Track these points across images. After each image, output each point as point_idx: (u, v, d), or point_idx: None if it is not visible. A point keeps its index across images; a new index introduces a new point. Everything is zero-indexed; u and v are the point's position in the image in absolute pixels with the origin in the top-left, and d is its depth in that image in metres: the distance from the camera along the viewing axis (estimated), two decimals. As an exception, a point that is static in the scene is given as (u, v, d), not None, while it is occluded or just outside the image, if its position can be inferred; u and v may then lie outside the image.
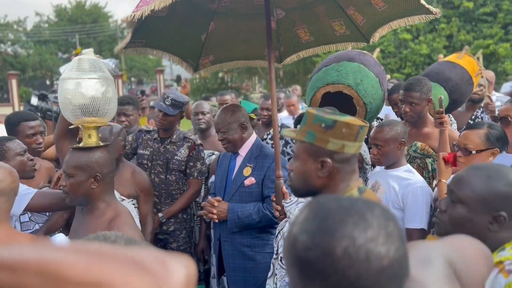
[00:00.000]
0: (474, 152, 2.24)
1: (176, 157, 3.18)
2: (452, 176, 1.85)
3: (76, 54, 7.77)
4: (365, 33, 3.11)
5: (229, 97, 5.52)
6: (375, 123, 4.13)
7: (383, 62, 14.98)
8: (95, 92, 1.91)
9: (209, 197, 2.77)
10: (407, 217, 2.36)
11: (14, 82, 21.55)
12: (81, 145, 1.89)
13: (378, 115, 3.91)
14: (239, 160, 2.79)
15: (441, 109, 2.60)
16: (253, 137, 2.81)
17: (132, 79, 34.19)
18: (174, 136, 3.23)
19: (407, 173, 2.51)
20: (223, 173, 2.83)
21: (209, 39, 3.14)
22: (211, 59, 3.26)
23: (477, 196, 1.25)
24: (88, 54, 2.03)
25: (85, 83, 1.91)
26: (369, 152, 2.83)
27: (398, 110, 3.74)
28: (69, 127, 1.99)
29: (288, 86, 17.03)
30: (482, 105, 4.17)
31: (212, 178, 3.27)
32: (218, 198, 2.71)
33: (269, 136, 4.02)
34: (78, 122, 1.93)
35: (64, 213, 2.41)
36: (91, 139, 1.91)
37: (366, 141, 2.98)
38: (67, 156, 1.88)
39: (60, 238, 1.89)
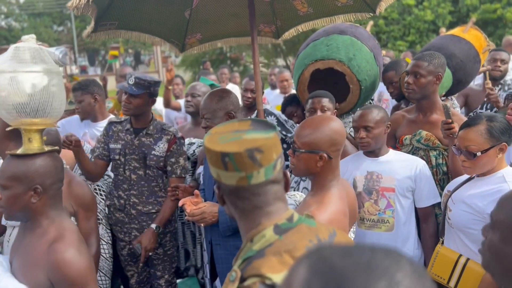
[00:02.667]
0: (478, 153, 1.93)
1: (153, 151, 2.76)
2: None
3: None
4: (370, 2, 2.78)
5: (227, 71, 5.28)
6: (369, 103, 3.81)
7: (386, 30, 14.50)
8: (34, 89, 1.61)
9: (188, 198, 2.33)
10: (423, 195, 2.37)
11: (8, 57, 21.05)
12: (19, 151, 1.60)
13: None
14: None
15: (449, 119, 2.30)
16: None
17: (130, 50, 33.52)
18: (151, 127, 2.79)
19: (401, 155, 2.48)
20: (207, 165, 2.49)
21: (194, 15, 2.82)
22: (198, 37, 2.94)
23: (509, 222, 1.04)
24: (29, 41, 1.71)
25: (22, 77, 1.61)
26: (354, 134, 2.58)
27: (393, 90, 3.43)
28: (6, 129, 1.70)
29: (288, 56, 16.50)
30: (501, 82, 3.85)
31: (200, 169, 2.98)
32: (196, 192, 2.31)
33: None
34: (16, 124, 1.64)
35: None
36: (32, 144, 1.63)
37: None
38: (2, 164, 1.60)
39: None
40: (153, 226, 2.71)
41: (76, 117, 3.61)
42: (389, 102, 4.23)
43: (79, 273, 1.47)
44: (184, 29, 2.87)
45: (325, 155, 1.60)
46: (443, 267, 2.03)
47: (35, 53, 1.66)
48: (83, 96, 3.36)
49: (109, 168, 2.94)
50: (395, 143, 2.76)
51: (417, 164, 2.37)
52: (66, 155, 2.71)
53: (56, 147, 1.69)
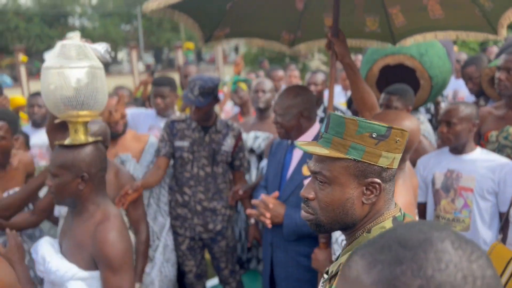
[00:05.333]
0: None
1: (223, 147, 2.85)
2: None
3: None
4: (397, 35, 2.62)
5: (281, 73, 5.30)
6: (442, 100, 3.63)
7: None
8: (79, 83, 1.72)
9: (263, 195, 2.31)
10: (506, 199, 2.23)
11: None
12: (66, 142, 1.72)
13: (443, 91, 3.46)
14: (297, 154, 2.36)
15: None
16: (315, 128, 2.37)
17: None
18: (218, 124, 2.87)
19: (488, 155, 2.34)
20: (277, 165, 2.43)
21: (232, 9, 2.82)
22: (226, 31, 2.91)
23: None
24: (74, 38, 1.83)
25: (69, 73, 1.72)
26: (433, 131, 2.49)
27: (473, 86, 3.26)
28: (55, 121, 1.83)
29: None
30: None
31: (264, 162, 3.01)
32: (275, 195, 2.31)
33: (318, 118, 3.47)
34: (64, 116, 1.76)
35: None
36: (78, 135, 1.74)
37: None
38: (52, 153, 1.72)
39: (43, 241, 1.76)
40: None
41: (143, 110, 3.82)
42: (465, 100, 4.06)
43: (117, 254, 1.57)
44: (219, 21, 2.79)
45: None
46: (496, 265, 1.93)
47: (80, 49, 1.76)
48: (170, 93, 3.52)
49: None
50: (479, 139, 2.66)
51: (503, 166, 2.25)
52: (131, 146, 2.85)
53: (100, 138, 1.79)
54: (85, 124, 1.76)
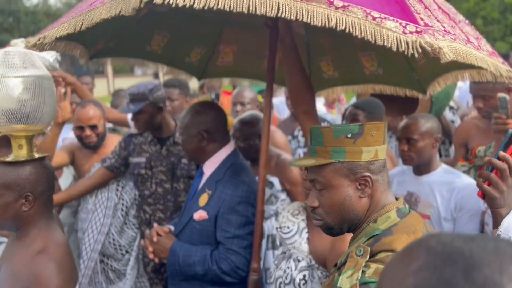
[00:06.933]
0: None
1: (183, 160, 2.61)
2: None
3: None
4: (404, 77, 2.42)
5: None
6: (449, 114, 3.38)
7: (484, 30, 13.10)
8: (24, 94, 1.57)
9: (155, 225, 2.13)
10: (462, 228, 2.00)
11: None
12: (9, 158, 1.57)
13: (451, 103, 3.25)
14: (202, 181, 2.13)
15: (504, 115, 1.93)
16: (224, 151, 2.10)
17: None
18: (177, 135, 2.60)
19: (450, 175, 2.13)
20: (190, 189, 2.23)
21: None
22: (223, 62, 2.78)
23: None
24: (19, 45, 1.68)
25: (12, 83, 1.57)
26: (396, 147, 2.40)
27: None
28: (-2, 136, 1.67)
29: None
30: None
31: None
32: (166, 229, 2.10)
33: (301, 133, 3.23)
34: (6, 130, 1.60)
35: None
36: (22, 151, 1.59)
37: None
38: None
39: None
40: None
41: None
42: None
43: None
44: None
45: None
46: None
47: (26, 57, 1.62)
48: (179, 96, 3.43)
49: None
50: (466, 154, 2.52)
51: (460, 190, 2.03)
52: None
53: (47, 154, 1.65)
54: (30, 139, 1.61)
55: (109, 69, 18.42)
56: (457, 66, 1.94)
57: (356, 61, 2.41)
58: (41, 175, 1.56)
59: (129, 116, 3.04)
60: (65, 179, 3.10)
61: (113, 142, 2.95)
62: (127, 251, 2.77)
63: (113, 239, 2.73)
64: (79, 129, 2.82)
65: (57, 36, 1.52)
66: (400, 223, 1.13)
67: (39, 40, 1.56)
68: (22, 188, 1.51)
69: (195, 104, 2.19)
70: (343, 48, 2.38)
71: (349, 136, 1.16)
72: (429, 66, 2.20)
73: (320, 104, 5.64)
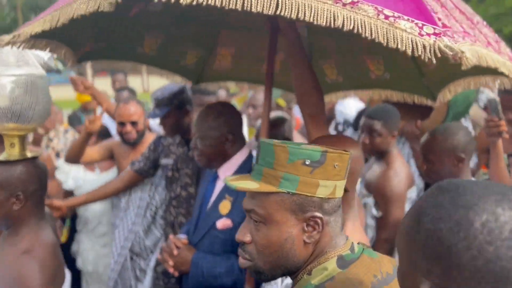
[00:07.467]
0: None
1: None
2: None
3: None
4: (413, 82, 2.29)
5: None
6: (467, 123, 3.11)
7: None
8: (17, 92, 1.55)
9: (171, 236, 1.98)
10: None
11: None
12: (1, 157, 1.54)
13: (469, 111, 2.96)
14: (218, 187, 1.95)
15: (496, 117, 1.91)
16: (243, 153, 1.97)
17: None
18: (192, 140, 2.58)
19: None
20: (200, 197, 2.05)
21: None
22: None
23: None
24: (14, 43, 1.66)
25: (5, 81, 1.54)
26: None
27: None
28: (-10, 134, 1.64)
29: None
30: None
31: None
32: (185, 240, 1.96)
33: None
34: (-2, 129, 1.58)
35: None
36: (14, 150, 1.56)
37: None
38: None
39: None
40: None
41: None
42: None
43: None
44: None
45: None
46: None
47: (20, 56, 1.59)
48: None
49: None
50: (488, 160, 2.35)
51: None
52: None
53: (39, 153, 1.62)
54: (23, 137, 1.58)
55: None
56: (471, 71, 1.71)
57: (362, 64, 2.29)
58: (33, 174, 1.53)
59: (154, 121, 3.05)
60: (112, 173, 3.14)
61: (150, 141, 2.96)
62: (151, 251, 2.78)
63: (139, 237, 2.77)
64: (120, 124, 2.85)
65: (32, 33, 1.40)
66: (339, 275, 0.93)
67: (13, 37, 1.45)
68: (13, 187, 1.49)
69: (212, 105, 2.04)
70: (347, 50, 2.25)
71: (307, 163, 0.93)
72: (439, 71, 2.04)
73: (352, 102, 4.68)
